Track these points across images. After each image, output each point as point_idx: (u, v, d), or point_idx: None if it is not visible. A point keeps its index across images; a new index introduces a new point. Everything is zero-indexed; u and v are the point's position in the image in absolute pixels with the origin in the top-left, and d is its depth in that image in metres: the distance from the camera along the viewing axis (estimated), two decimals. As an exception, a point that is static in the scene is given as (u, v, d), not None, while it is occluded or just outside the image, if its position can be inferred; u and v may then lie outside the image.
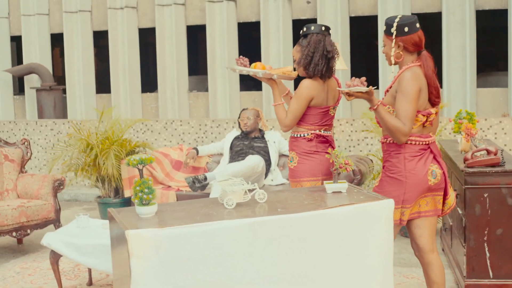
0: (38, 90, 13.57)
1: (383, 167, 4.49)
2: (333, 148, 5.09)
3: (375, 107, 4.29)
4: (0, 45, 14.18)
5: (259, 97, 12.02)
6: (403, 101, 4.22)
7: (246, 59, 5.22)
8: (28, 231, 6.87)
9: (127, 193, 7.66)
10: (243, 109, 7.86)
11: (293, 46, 11.37)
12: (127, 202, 7.90)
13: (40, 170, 10.01)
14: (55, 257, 5.53)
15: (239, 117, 7.82)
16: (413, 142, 4.35)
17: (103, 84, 13.76)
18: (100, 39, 14.00)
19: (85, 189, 9.78)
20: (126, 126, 8.12)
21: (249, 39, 12.62)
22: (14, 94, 14.50)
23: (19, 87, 15.15)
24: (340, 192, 4.26)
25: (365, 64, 12.75)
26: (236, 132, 7.92)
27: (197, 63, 13.73)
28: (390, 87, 4.45)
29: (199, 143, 9.59)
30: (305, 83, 5.04)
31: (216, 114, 11.76)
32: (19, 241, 7.40)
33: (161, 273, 3.58)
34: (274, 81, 5.14)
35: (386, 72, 10.47)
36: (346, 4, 11.17)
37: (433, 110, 4.36)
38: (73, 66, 13.42)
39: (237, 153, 7.61)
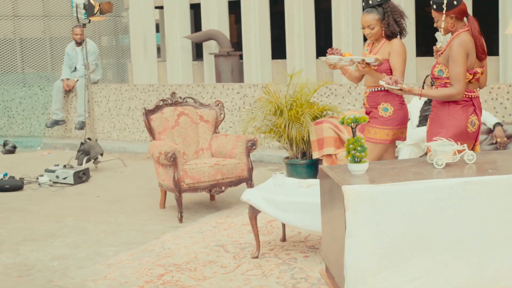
0: (216, 55, 14.04)
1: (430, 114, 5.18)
2: None
3: (420, 96, 5.12)
4: (180, 13, 14.72)
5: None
6: (453, 65, 4.89)
7: (339, 50, 5.54)
8: (223, 188, 7.20)
9: (315, 154, 7.83)
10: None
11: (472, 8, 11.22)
12: (315, 164, 8.07)
13: (226, 131, 10.40)
14: (254, 213, 5.78)
15: (426, 77, 7.73)
16: None
17: (278, 50, 14.03)
18: (276, 6, 14.26)
19: (269, 150, 10.07)
20: (313, 90, 8.28)
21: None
22: (193, 60, 15.05)
23: (197, 53, 15.69)
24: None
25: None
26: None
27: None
28: (442, 53, 5.04)
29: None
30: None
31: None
32: (212, 197, 7.77)
33: (374, 227, 3.73)
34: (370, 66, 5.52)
35: None
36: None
37: (479, 70, 5.00)
38: (250, 33, 13.76)
39: (425, 118, 7.58)
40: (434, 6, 4.98)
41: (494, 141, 7.34)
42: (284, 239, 6.17)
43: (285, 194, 5.64)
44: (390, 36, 5.66)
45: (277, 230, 6.45)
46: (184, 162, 7.17)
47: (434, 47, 5.23)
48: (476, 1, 11.24)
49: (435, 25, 5.06)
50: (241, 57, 14.09)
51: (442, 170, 4.02)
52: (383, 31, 5.66)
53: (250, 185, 7.27)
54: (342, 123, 4.06)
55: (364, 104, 5.85)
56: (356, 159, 4.00)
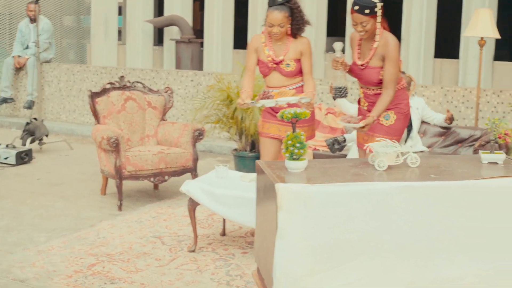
0: (177, 42, 13.77)
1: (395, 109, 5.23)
2: None
3: (374, 120, 5.12)
4: (144, -3, 14.43)
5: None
6: (391, 66, 5.07)
7: (270, 92, 5.52)
8: (166, 177, 6.97)
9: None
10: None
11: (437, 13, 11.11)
12: (263, 157, 7.89)
13: (178, 119, 10.17)
14: (193, 205, 5.57)
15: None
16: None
17: (241, 40, 13.81)
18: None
19: (219, 141, 9.86)
20: (267, 82, 8.07)
21: (390, 4, 12.34)
22: (154, 45, 14.77)
23: (158, 38, 15.41)
24: (496, 163, 4.07)
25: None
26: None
27: (335, 24, 13.59)
28: (372, 56, 5.15)
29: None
30: None
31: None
32: (155, 186, 7.55)
33: (307, 228, 3.54)
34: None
35: None
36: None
37: None
38: (213, 21, 13.51)
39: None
40: (367, 11, 4.98)
41: (446, 118, 7.36)
42: (223, 233, 5.99)
43: (225, 187, 5.45)
44: (295, 33, 5.56)
45: (217, 224, 6.27)
46: (127, 148, 6.95)
47: (335, 58, 5.18)
48: (440, 4, 11.13)
49: (359, 29, 5.06)
50: (202, 45, 13.85)
51: (383, 173, 3.84)
52: (290, 29, 5.53)
53: (194, 175, 7.06)
54: (282, 117, 3.86)
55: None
56: (294, 156, 3.80)
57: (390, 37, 5.12)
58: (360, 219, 3.59)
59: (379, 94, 5.20)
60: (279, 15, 5.42)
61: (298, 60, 5.58)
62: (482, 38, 7.79)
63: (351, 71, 5.37)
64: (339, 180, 3.65)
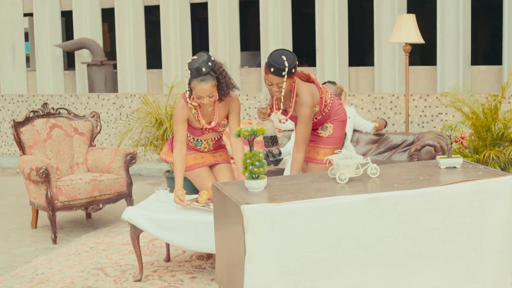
0: (89, 65, 13.46)
1: (332, 121, 5.35)
2: None
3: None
4: (51, 20, 14.07)
5: (313, 72, 11.77)
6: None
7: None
8: (101, 205, 6.73)
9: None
10: (328, 82, 7.59)
11: (348, 21, 11.22)
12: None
13: (102, 144, 9.89)
14: (136, 232, 5.36)
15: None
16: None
17: (153, 59, 13.62)
18: (151, 15, 13.85)
19: (147, 163, 9.65)
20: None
21: (303, 14, 12.40)
22: (65, 69, 14.41)
23: (68, 62, 15.04)
24: (455, 167, 4.05)
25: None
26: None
27: (247, 39, 13.54)
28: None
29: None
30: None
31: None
32: (88, 215, 7.29)
33: (276, 249, 3.42)
34: None
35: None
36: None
37: None
38: (124, 41, 13.27)
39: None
40: (284, 73, 4.86)
41: (374, 129, 7.34)
42: (168, 259, 5.80)
43: (168, 212, 5.26)
44: (222, 98, 5.31)
45: (160, 250, 6.07)
46: (57, 178, 6.68)
47: (260, 108, 5.15)
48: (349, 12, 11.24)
49: (275, 89, 4.94)
50: (115, 66, 13.58)
51: (345, 185, 3.76)
52: (218, 95, 5.27)
53: (130, 201, 6.85)
54: (239, 135, 3.72)
55: None
56: (253, 175, 3.67)
57: (304, 96, 5.05)
58: (328, 235, 3.50)
59: (320, 120, 5.35)
60: (207, 86, 5.11)
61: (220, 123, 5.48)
62: (406, 43, 7.84)
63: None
64: (303, 197, 3.54)
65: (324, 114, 5.32)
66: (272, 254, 3.41)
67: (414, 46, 9.00)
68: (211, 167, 5.71)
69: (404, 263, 3.65)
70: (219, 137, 5.63)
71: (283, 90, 4.91)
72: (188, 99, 5.29)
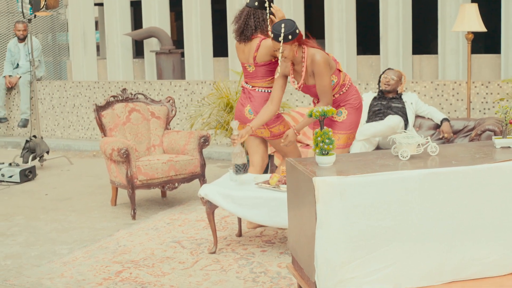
0: (157, 53, 13.94)
1: (347, 106, 5.85)
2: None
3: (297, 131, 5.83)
4: (121, 10, 14.57)
5: (376, 60, 12.06)
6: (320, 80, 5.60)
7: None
8: (176, 184, 7.17)
9: (268, 150, 7.83)
10: (388, 68, 7.92)
11: (412, 10, 11.44)
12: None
13: (174, 128, 10.37)
14: (211, 208, 5.77)
15: (381, 74, 7.86)
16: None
17: (219, 48, 14.02)
18: (218, 3, 14.25)
19: (217, 147, 10.08)
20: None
21: (366, 2, 12.65)
22: (134, 57, 14.93)
23: (137, 51, 15.56)
24: (509, 147, 4.34)
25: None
26: (372, 94, 8.00)
27: (312, 27, 13.85)
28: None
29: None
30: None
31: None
32: (163, 194, 7.74)
33: (344, 218, 3.77)
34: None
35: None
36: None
37: None
38: (191, 30, 13.71)
39: (374, 113, 7.71)
40: (280, 38, 5.43)
41: (441, 136, 7.51)
42: (240, 234, 6.20)
43: (241, 189, 5.65)
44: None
45: (232, 226, 6.48)
46: (136, 158, 7.13)
47: (232, 136, 5.69)
48: (414, 1, 11.46)
49: (278, 54, 5.53)
50: (182, 55, 14.03)
51: (407, 162, 4.09)
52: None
53: (203, 181, 7.27)
54: (311, 115, 4.10)
55: None
56: (323, 152, 4.04)
57: (316, 54, 5.58)
58: (391, 206, 3.82)
59: (334, 101, 5.80)
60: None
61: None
62: (469, 32, 8.09)
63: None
64: (369, 171, 3.88)
65: (341, 93, 5.83)
66: (340, 221, 3.76)
67: (479, 35, 9.21)
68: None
69: (461, 234, 3.96)
70: None
71: (280, 54, 5.48)
72: None
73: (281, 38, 5.41)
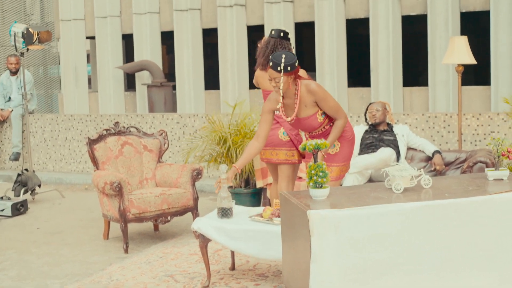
0: (149, 86, 14.01)
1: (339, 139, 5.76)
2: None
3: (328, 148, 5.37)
4: (112, 43, 14.68)
5: (367, 93, 12.14)
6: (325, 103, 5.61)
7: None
8: (169, 217, 7.15)
9: (259, 183, 7.84)
10: (371, 103, 8.00)
11: (402, 42, 11.55)
12: (258, 193, 8.12)
13: (166, 161, 10.37)
14: (205, 242, 5.76)
15: (366, 110, 7.96)
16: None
17: (211, 80, 14.10)
18: (209, 37, 14.35)
19: (209, 180, 10.08)
20: (258, 118, 8.34)
21: (356, 35, 12.76)
22: (125, 90, 14.99)
23: (128, 84, 15.62)
24: (502, 179, 4.37)
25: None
26: (363, 127, 8.04)
27: (302, 59, 13.94)
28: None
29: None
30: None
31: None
32: (155, 227, 7.72)
33: (339, 251, 3.78)
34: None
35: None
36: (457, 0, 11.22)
37: None
38: (183, 63, 13.80)
39: (366, 146, 7.75)
40: (279, 68, 5.44)
41: (432, 169, 7.54)
42: (233, 267, 6.17)
43: (235, 222, 5.64)
44: None
45: (225, 259, 6.45)
46: (129, 192, 7.12)
47: (218, 180, 5.62)
48: (403, 35, 11.58)
49: (273, 84, 5.53)
50: (174, 87, 14.10)
51: (400, 195, 4.11)
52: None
53: (196, 214, 7.26)
54: (304, 149, 4.12)
55: None
56: (317, 185, 4.05)
57: (310, 83, 5.64)
58: (385, 239, 3.84)
59: (325, 132, 5.74)
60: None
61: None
62: (459, 64, 8.15)
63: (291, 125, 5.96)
64: (363, 204, 3.90)
65: (332, 124, 5.78)
66: (334, 255, 3.78)
67: (469, 67, 9.29)
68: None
69: (454, 266, 3.98)
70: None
71: (281, 85, 5.48)
72: None
73: (280, 68, 5.44)
